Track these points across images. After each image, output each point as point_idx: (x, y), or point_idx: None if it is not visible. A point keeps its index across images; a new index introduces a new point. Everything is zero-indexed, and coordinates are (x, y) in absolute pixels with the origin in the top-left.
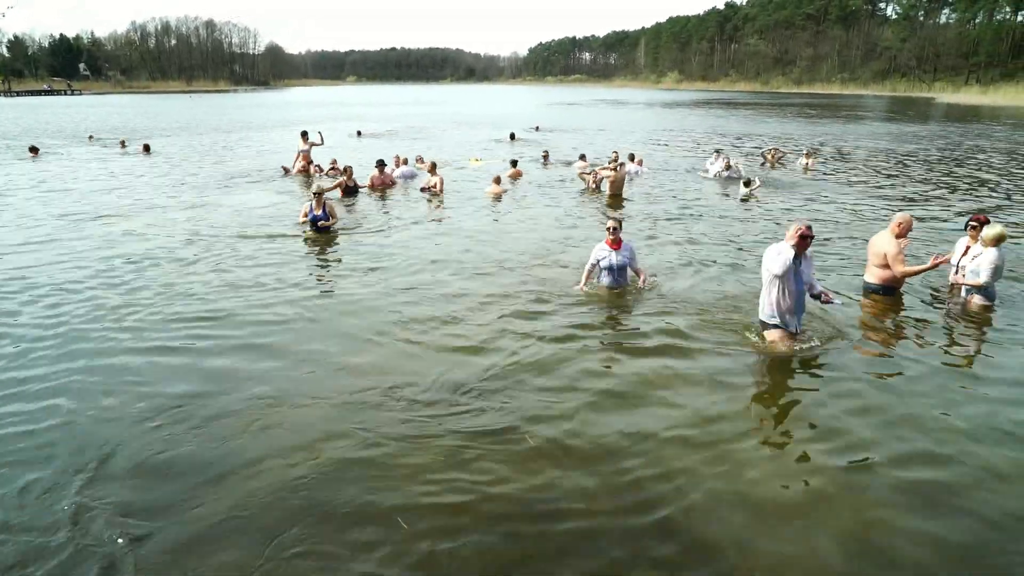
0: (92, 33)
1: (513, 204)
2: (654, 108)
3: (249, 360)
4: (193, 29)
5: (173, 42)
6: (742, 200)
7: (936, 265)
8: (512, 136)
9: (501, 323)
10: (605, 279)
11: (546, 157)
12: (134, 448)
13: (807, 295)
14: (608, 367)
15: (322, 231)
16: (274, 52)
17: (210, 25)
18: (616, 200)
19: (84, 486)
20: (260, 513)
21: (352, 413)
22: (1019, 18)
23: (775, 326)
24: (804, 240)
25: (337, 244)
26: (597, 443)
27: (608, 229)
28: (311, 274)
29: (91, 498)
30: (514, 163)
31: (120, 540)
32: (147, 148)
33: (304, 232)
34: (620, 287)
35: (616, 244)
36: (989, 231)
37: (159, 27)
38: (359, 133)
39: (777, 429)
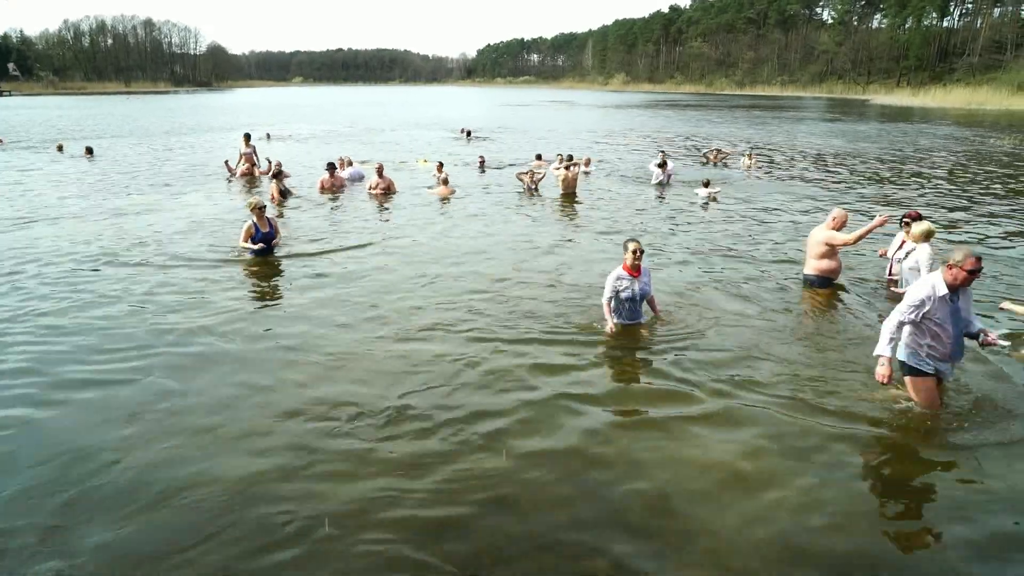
0: (21, 32)
1: (464, 209)
2: (605, 109)
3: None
4: (130, 28)
5: (109, 41)
6: (702, 205)
7: (883, 223)
8: (468, 134)
9: (493, 358)
10: (623, 312)
11: (482, 163)
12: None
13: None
14: (630, 413)
15: (270, 252)
16: (216, 52)
17: (148, 24)
18: (569, 199)
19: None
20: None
21: (319, 436)
22: (944, 24)
23: (926, 374)
24: (973, 276)
25: (282, 260)
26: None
27: (633, 252)
28: (251, 295)
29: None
30: (440, 165)
31: None
32: (89, 151)
33: (243, 255)
34: (637, 322)
35: (637, 271)
36: (917, 228)
37: (94, 26)
38: (268, 136)
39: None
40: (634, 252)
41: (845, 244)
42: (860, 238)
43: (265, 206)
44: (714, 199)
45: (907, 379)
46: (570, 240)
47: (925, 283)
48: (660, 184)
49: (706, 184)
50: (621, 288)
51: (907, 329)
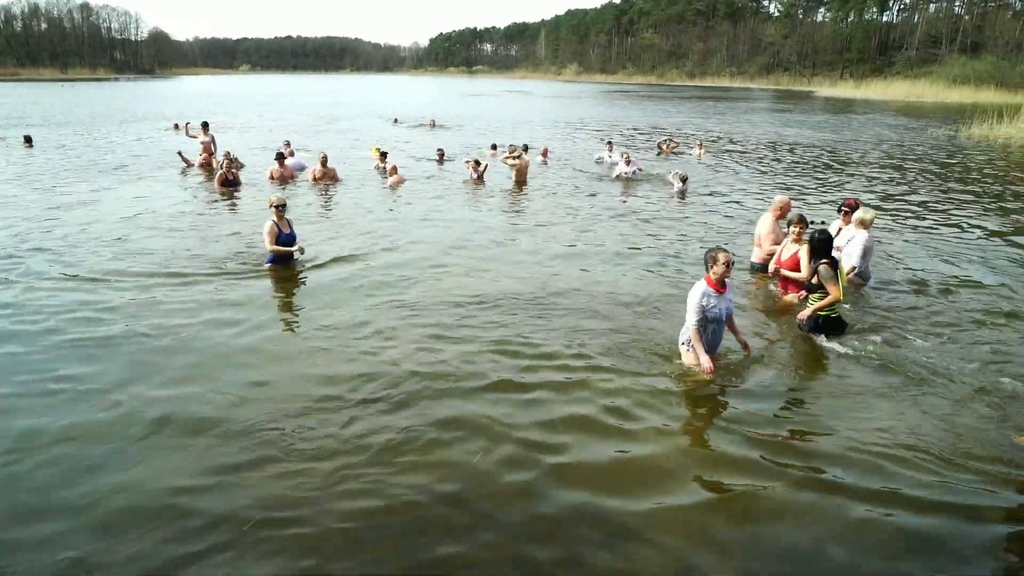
0: None
1: (420, 202)
2: (562, 100)
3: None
4: (66, 12)
5: (44, 26)
6: (680, 196)
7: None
8: (432, 123)
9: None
10: (704, 340)
11: (441, 155)
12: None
13: None
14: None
15: (291, 258)
16: (159, 38)
17: (85, 8)
18: (520, 188)
19: None
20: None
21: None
22: (884, 18)
23: None
24: None
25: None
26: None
27: (725, 264)
28: (200, 301)
29: None
30: (383, 154)
31: None
32: (28, 140)
33: (267, 267)
34: (715, 353)
35: (724, 286)
36: (858, 215)
37: (26, 9)
38: (176, 127)
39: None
40: (726, 264)
41: (763, 250)
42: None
43: (286, 204)
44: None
45: None
46: (532, 235)
47: None
48: (621, 177)
49: (684, 179)
50: (709, 307)
51: None
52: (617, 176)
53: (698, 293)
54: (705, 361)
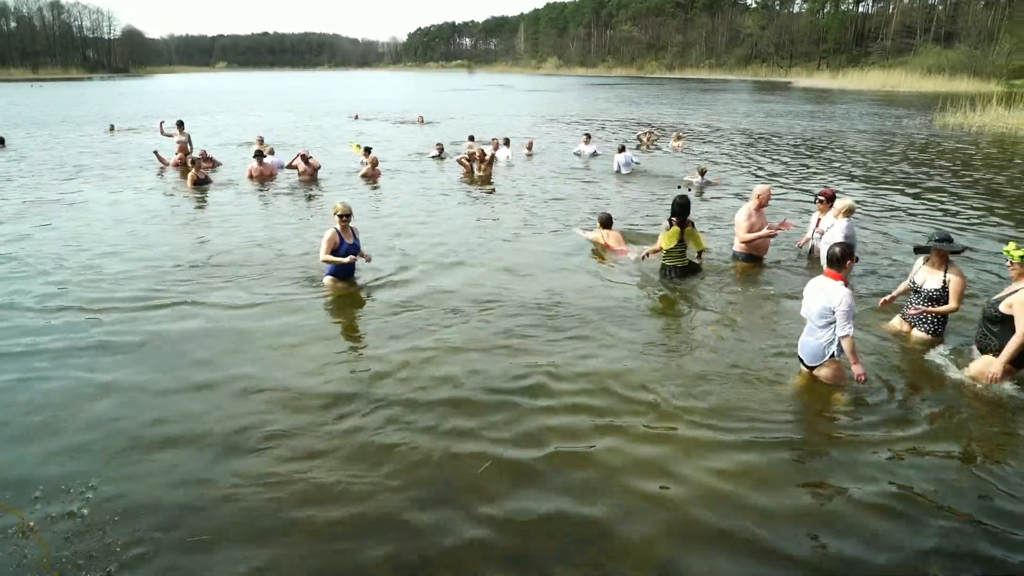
0: None
1: (421, 198)
2: (545, 93)
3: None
4: (35, 11)
5: (13, 24)
6: (699, 190)
7: (773, 234)
8: (421, 120)
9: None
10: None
11: (441, 150)
12: None
13: None
14: None
15: (352, 271)
16: (133, 36)
17: (55, 6)
18: (486, 181)
19: None
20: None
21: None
22: (860, 9)
23: None
24: None
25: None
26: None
27: (853, 261)
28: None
29: None
30: (367, 150)
31: None
32: (0, 141)
33: (329, 285)
34: None
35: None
36: (839, 203)
37: None
38: (112, 128)
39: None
40: (852, 260)
41: (738, 237)
42: (750, 240)
43: (351, 213)
44: (710, 184)
45: None
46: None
47: None
48: (620, 172)
49: (703, 172)
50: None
51: None
52: (617, 170)
53: (850, 296)
54: (858, 369)
